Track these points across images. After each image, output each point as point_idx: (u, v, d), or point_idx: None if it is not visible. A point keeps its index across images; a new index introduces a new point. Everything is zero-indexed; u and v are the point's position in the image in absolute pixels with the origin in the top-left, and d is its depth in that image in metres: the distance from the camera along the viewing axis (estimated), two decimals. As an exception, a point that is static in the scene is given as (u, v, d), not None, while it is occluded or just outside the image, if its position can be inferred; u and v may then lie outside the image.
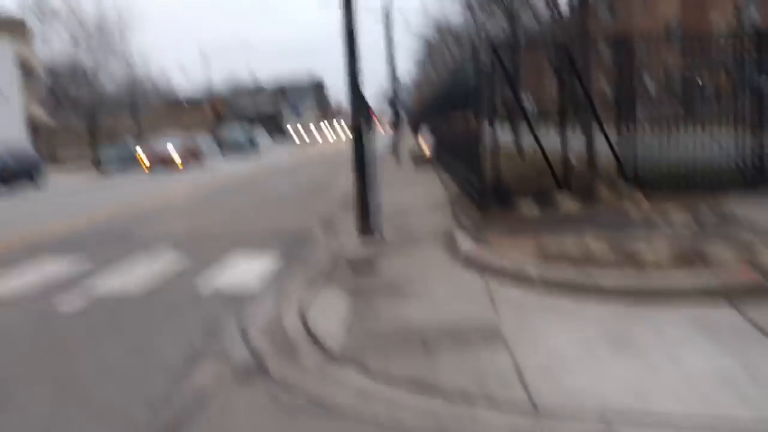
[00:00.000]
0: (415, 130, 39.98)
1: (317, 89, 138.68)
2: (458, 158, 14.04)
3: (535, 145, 10.36)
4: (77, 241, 11.98)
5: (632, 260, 6.20)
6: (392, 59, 30.89)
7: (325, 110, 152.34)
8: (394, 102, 32.27)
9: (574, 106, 10.67)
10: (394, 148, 29.60)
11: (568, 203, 10.07)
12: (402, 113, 54.44)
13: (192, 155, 39.16)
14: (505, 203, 10.15)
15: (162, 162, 36.04)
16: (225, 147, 49.41)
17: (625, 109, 10.27)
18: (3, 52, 40.47)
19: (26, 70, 45.45)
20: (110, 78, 51.24)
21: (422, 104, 38.73)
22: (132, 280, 8.24)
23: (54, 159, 49.35)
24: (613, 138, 10.39)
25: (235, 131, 53.96)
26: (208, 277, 8.14)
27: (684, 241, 6.88)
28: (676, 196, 9.91)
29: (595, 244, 6.94)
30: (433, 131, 24.34)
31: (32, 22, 48.46)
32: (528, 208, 10.06)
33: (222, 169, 35.06)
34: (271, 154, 50.53)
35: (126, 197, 21.01)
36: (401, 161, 27.20)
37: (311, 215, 13.10)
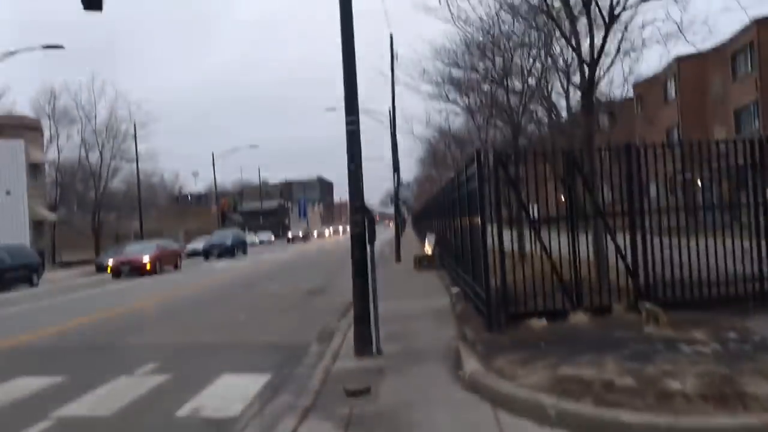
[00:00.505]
0: (418, 228, 39.88)
1: (323, 187, 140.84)
2: (462, 262, 13.56)
3: (541, 251, 9.88)
4: (51, 352, 11.31)
5: (657, 391, 5.55)
6: (395, 159, 31.08)
7: (330, 207, 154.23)
8: (396, 201, 32.21)
9: (582, 214, 10.26)
10: (396, 247, 29.28)
11: (579, 316, 9.47)
12: (404, 212, 54.71)
13: (168, 259, 35.64)
14: (512, 316, 9.57)
15: (131, 266, 32.54)
16: (211, 249, 46.51)
17: (635, 217, 9.85)
18: (14, 153, 41.13)
19: (35, 169, 46.04)
20: (118, 178, 51.84)
21: (425, 203, 38.75)
22: (103, 400, 7.54)
23: (56, 257, 49.09)
24: (623, 246, 9.92)
25: (220, 234, 50.55)
26: (187, 396, 7.44)
27: (711, 367, 6.24)
28: (692, 308, 9.34)
29: (614, 369, 6.30)
30: (436, 231, 24.03)
31: (45, 124, 49.59)
32: (537, 321, 9.46)
33: (206, 271, 33.64)
34: (271, 251, 50.12)
35: (114, 301, 20.38)
36: (403, 260, 26.83)
37: (307, 325, 12.47)
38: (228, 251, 46.05)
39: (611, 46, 12.80)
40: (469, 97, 24.75)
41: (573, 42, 12.47)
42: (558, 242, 10.02)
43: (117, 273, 32.50)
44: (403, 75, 26.68)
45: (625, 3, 11.96)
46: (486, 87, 21.80)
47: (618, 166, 10.16)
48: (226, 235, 48.94)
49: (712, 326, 8.29)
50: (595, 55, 12.30)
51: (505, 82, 20.11)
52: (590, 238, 11.17)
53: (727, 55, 36.18)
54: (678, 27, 12.60)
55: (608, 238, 10.03)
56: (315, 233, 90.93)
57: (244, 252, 49.12)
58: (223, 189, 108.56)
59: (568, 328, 8.96)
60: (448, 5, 15.36)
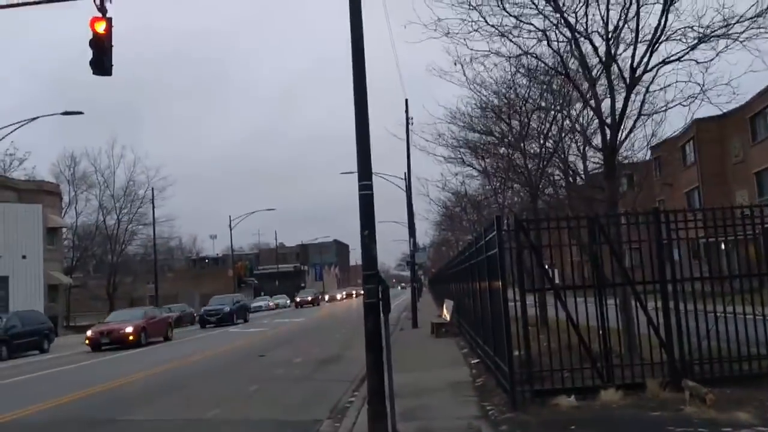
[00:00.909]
0: (435, 292, 39.26)
1: (339, 249, 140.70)
2: (482, 330, 12.96)
3: (567, 321, 9.32)
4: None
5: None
6: (411, 224, 30.76)
7: (347, 269, 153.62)
8: (412, 266, 31.69)
9: (609, 282, 9.72)
10: (413, 313, 28.61)
11: (610, 394, 8.80)
12: (421, 276, 54.11)
13: (157, 329, 31.32)
14: (538, 392, 8.93)
15: (111, 337, 28.14)
16: (207, 317, 42.33)
17: (666, 285, 9.29)
18: (32, 218, 41.42)
19: (52, 233, 46.28)
20: (135, 241, 51.99)
21: (442, 267, 38.19)
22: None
23: (70, 321, 48.83)
24: (654, 316, 9.33)
25: (218, 299, 45.62)
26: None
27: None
28: (732, 384, 8.67)
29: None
30: (454, 297, 23.39)
31: (64, 188, 50.19)
32: (565, 399, 8.80)
33: (204, 341, 30.60)
34: (282, 317, 48.97)
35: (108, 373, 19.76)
36: (420, 326, 26.11)
37: (317, 401, 11.80)
38: (226, 318, 41.88)
39: (633, 108, 12.47)
40: (485, 161, 24.54)
41: (593, 104, 12.17)
42: (585, 311, 9.45)
43: (96, 345, 27.98)
44: (418, 137, 26.80)
45: (647, 65, 11.70)
46: (502, 150, 21.59)
47: (642, 232, 9.66)
48: (224, 301, 44.57)
49: (757, 406, 7.62)
50: (617, 118, 11.98)
51: (522, 146, 19.89)
52: (618, 306, 10.61)
53: (745, 116, 35.88)
54: (701, 88, 12.30)
55: (638, 307, 9.45)
56: (326, 297, 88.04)
57: (245, 319, 44.95)
58: (241, 252, 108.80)
59: (599, 407, 8.30)
60: (463, 69, 15.25)
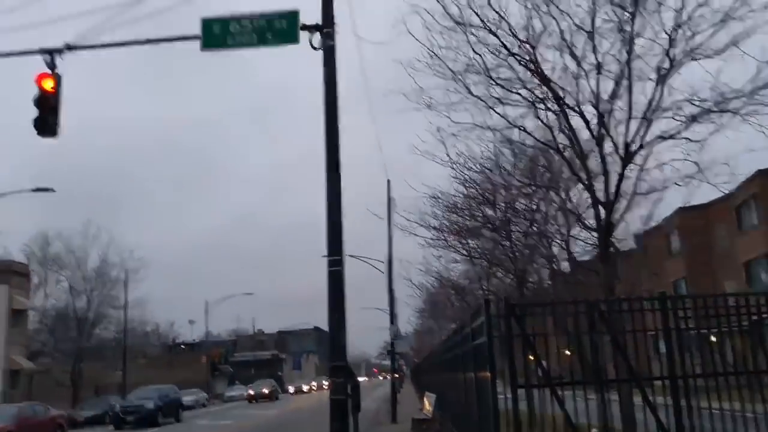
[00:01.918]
0: (417, 383, 37.49)
1: (319, 336, 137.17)
2: (467, 427, 11.61)
3: (565, 422, 8.08)
4: None
5: None
6: (392, 310, 29.48)
7: (327, 358, 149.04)
8: (392, 355, 30.14)
9: (611, 375, 8.57)
10: (393, 406, 26.90)
11: None
12: (403, 366, 52.06)
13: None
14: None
15: None
16: (124, 415, 33.42)
17: (677, 381, 8.14)
18: (-4, 299, 39.57)
19: (18, 315, 44.21)
20: (110, 325, 49.85)
21: (425, 357, 36.55)
22: None
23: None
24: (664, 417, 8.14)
25: (140, 393, 36.09)
26: None
27: None
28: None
29: None
30: (437, 390, 21.88)
31: (34, 268, 48.43)
32: None
33: None
34: (242, 412, 44.58)
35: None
36: (399, 421, 24.40)
37: None
38: (149, 417, 33.15)
39: (626, 185, 11.69)
40: (469, 244, 23.64)
41: (585, 180, 11.39)
42: (586, 408, 8.24)
43: None
44: (399, 217, 25.96)
45: (642, 140, 11.01)
46: (487, 234, 20.75)
47: (642, 320, 8.59)
48: (148, 394, 35.02)
49: None
50: (611, 196, 11.17)
51: (508, 229, 19.07)
52: (621, 403, 9.41)
53: (731, 206, 35.63)
54: (698, 167, 11.60)
55: (645, 406, 8.25)
56: (291, 388, 77.89)
57: (177, 418, 36.00)
58: (218, 339, 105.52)
59: None
60: (446, 148, 14.57)
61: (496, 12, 11.20)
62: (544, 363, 8.75)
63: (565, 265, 17.58)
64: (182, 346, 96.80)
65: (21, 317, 45.45)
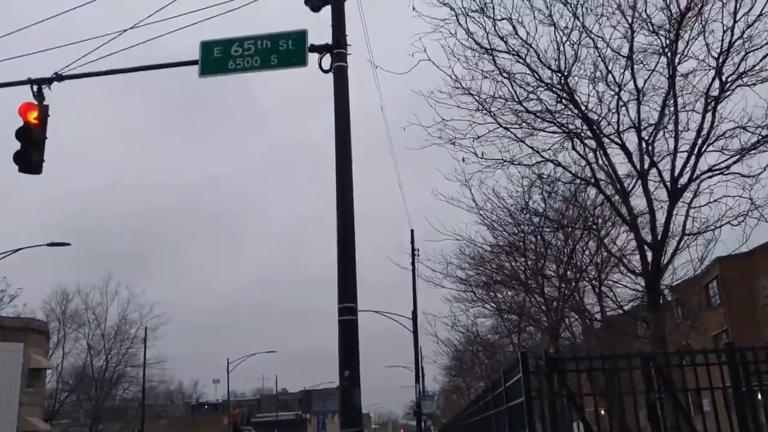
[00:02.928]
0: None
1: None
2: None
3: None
4: None
5: None
6: (418, 366, 28.01)
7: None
8: (418, 417, 28.47)
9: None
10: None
11: None
12: (430, 427, 49.80)
13: None
14: None
15: None
16: None
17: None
18: (11, 358, 38.68)
19: (35, 374, 43.22)
20: (123, 385, 48.59)
21: (452, 419, 34.64)
22: None
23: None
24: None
25: None
26: None
27: None
28: None
29: None
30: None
31: (54, 326, 47.70)
32: None
33: None
34: None
35: None
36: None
37: None
38: None
39: (675, 224, 10.50)
40: (497, 297, 22.32)
41: (628, 219, 10.24)
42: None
43: None
44: (424, 267, 24.52)
45: (692, 174, 9.86)
46: (516, 285, 19.48)
47: (701, 374, 7.31)
48: None
49: None
50: (658, 236, 9.99)
51: (540, 279, 17.80)
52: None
53: (772, 254, 33.76)
54: (752, 204, 10.41)
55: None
56: None
57: None
58: (242, 398, 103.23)
59: None
60: (471, 193, 13.53)
61: (524, 41, 10.33)
62: (594, 429, 7.50)
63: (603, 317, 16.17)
64: (205, 406, 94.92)
65: (38, 377, 44.42)
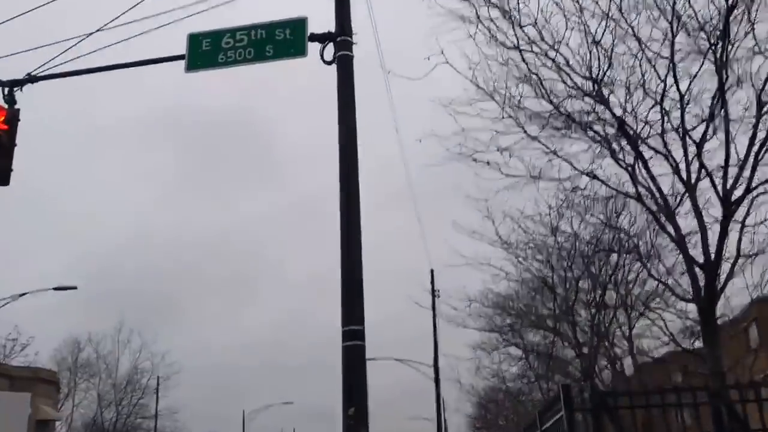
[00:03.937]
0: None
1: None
2: None
3: None
4: None
5: None
6: (440, 416, 26.32)
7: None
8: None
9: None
10: None
11: None
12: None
13: None
14: None
15: None
16: None
17: None
18: (17, 408, 37.32)
19: (42, 425, 41.83)
20: (135, 435, 46.96)
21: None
22: None
23: None
24: None
25: None
26: None
27: None
28: None
29: None
30: None
31: (65, 376, 46.45)
32: None
33: None
34: None
35: None
36: None
37: None
38: None
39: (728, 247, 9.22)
40: (524, 340, 20.89)
41: (674, 237, 9.02)
42: None
43: None
44: (446, 309, 22.97)
45: (749, 185, 8.66)
46: (545, 325, 18.13)
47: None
48: None
49: None
50: (711, 256, 8.74)
51: (571, 319, 16.47)
52: None
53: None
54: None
55: None
56: None
57: None
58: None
59: None
60: (494, 225, 12.38)
61: (550, 46, 9.34)
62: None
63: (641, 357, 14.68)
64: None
65: (46, 428, 43.05)
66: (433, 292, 25.88)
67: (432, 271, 25.97)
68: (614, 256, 12.21)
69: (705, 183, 9.38)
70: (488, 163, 9.25)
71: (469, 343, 22.04)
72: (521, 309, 19.22)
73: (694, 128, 8.79)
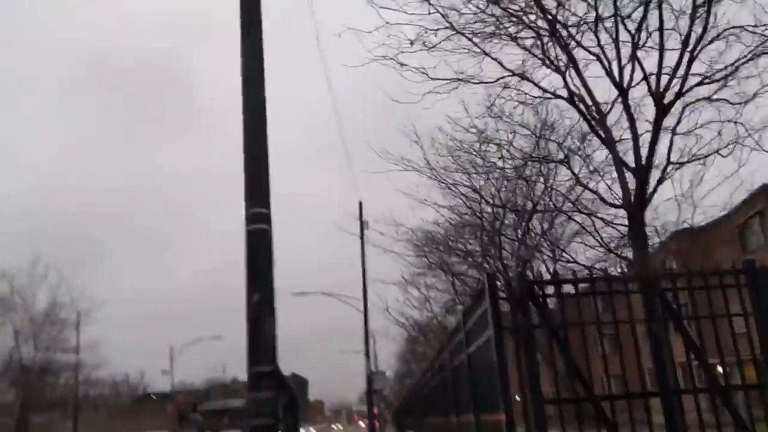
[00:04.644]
0: (399, 428, 34.09)
1: (297, 384, 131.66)
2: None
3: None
4: None
5: None
6: (367, 337, 26.46)
7: (306, 406, 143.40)
8: (369, 389, 26.89)
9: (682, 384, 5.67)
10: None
11: None
12: (382, 411, 48.34)
13: None
14: None
15: None
16: None
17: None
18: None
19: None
20: (55, 373, 45.59)
21: (405, 396, 33.22)
22: None
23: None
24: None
25: None
26: None
27: None
28: None
29: None
30: (422, 429, 18.81)
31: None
32: None
33: None
34: None
35: None
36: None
37: None
38: None
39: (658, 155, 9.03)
40: (451, 270, 20.89)
41: (602, 135, 8.74)
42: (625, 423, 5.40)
43: None
44: (374, 234, 22.55)
45: (682, 87, 8.40)
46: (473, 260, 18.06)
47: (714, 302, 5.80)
48: None
49: None
50: (642, 160, 8.53)
51: (498, 241, 16.34)
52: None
53: (732, 226, 32.97)
54: (745, 130, 9.06)
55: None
56: None
57: None
58: (192, 387, 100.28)
59: None
60: (422, 148, 11.90)
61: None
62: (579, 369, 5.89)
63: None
64: (153, 396, 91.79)
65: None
66: (362, 224, 25.52)
67: (360, 203, 25.55)
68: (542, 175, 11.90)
69: (638, 92, 9.14)
70: (413, 67, 8.65)
71: (398, 272, 21.98)
72: (449, 241, 19.13)
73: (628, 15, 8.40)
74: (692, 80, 8.69)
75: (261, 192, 5.21)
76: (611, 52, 8.65)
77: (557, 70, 8.80)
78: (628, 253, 9.17)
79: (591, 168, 10.02)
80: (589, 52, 8.75)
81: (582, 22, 8.82)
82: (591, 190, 9.78)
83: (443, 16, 8.55)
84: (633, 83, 8.75)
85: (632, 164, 8.48)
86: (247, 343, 4.83)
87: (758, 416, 5.46)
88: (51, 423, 47.70)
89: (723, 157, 9.34)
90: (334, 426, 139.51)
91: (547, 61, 8.89)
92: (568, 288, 5.64)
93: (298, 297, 32.21)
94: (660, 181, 8.83)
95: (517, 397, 5.33)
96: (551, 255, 13.49)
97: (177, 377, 71.66)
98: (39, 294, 44.24)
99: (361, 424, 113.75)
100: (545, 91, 9.20)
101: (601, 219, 9.95)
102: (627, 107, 8.62)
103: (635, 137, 8.55)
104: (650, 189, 8.62)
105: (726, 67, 8.58)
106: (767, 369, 5.43)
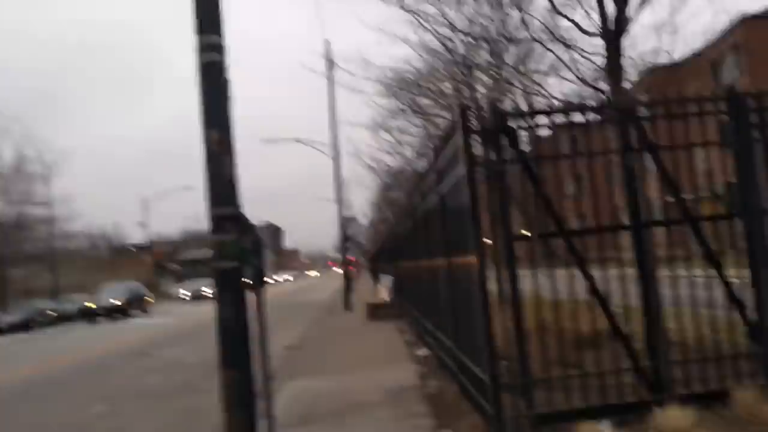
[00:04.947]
0: (375, 274, 35.28)
1: (273, 233, 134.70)
2: (434, 309, 8.91)
3: (593, 296, 5.29)
4: None
5: None
6: (338, 185, 26.52)
7: (281, 253, 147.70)
8: (343, 236, 27.41)
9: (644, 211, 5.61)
10: (346, 291, 24.54)
11: (672, 414, 4.81)
12: (357, 256, 49.76)
13: None
14: (542, 418, 4.94)
15: None
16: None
17: (753, 213, 5.33)
18: None
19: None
20: (28, 228, 45.68)
21: (381, 242, 34.04)
22: None
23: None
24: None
25: (112, 290, 38.61)
26: None
27: None
28: None
29: None
30: (395, 271, 19.36)
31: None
32: (592, 427, 4.85)
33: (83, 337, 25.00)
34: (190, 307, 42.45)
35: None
36: (354, 309, 22.08)
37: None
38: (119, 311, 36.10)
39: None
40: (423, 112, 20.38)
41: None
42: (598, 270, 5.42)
43: None
44: (346, 76, 21.60)
45: None
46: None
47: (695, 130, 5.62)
48: (118, 292, 38.04)
49: None
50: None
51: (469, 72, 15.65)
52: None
53: (705, 60, 32.49)
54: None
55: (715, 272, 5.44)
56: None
57: (144, 310, 39.45)
58: (168, 239, 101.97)
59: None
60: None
61: None
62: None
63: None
64: (132, 248, 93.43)
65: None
66: (330, 63, 24.64)
67: (327, 41, 24.49)
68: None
69: None
70: None
71: (369, 117, 21.50)
72: (420, 81, 18.48)
73: None
74: None
75: (212, 18, 4.69)
76: None
77: None
78: (605, 88, 8.81)
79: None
80: None
81: None
82: (567, 18, 9.25)
83: None
84: None
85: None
86: (205, 184, 4.57)
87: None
88: (29, 276, 48.54)
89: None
90: (308, 273, 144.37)
91: None
92: (543, 123, 5.34)
93: (272, 147, 31.87)
94: (642, 2, 8.32)
95: (488, 241, 5.23)
96: (525, 90, 12.98)
97: (154, 229, 72.63)
98: (4, 149, 43.33)
99: (336, 269, 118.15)
100: None
101: (579, 49, 9.49)
102: None
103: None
104: (630, 13, 8.16)
105: None
106: (741, 198, 5.36)
